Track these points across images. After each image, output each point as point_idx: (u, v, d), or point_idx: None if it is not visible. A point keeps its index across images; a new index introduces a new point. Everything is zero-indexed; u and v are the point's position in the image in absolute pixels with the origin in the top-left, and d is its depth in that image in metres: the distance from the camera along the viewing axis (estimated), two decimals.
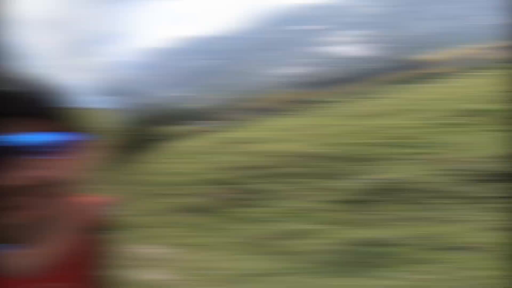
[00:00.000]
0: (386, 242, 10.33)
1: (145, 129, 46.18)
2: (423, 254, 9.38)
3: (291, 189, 17.89)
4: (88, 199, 1.05)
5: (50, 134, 0.76)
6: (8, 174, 0.70)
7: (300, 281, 9.31)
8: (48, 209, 0.83)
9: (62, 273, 0.89)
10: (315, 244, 11.60)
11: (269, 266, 10.49)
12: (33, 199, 0.75)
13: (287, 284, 9.17)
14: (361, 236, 11.16)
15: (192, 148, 32.09)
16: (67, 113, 0.82)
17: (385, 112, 27.44)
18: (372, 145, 20.16)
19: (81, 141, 0.86)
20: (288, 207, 15.98)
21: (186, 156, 29.37)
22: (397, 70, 54.11)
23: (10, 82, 0.77)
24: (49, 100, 0.80)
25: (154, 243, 14.08)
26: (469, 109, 20.98)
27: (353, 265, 9.70)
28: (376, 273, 8.88)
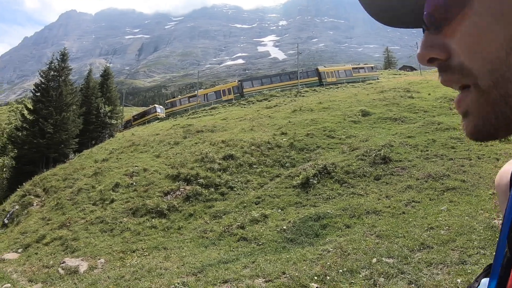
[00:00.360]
0: (325, 216, 14.56)
1: None
2: (348, 220, 13.73)
3: (250, 178, 21.55)
4: None
5: None
6: None
7: (261, 261, 11.09)
8: None
9: None
10: (269, 227, 15.12)
11: (225, 255, 13.07)
12: None
13: (234, 268, 10.79)
14: (307, 214, 15.38)
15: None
16: None
17: (310, 108, 35.33)
18: (308, 135, 25.85)
19: None
20: (248, 196, 19.47)
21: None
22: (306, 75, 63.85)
23: None
24: None
25: None
26: (361, 111, 30.29)
27: (302, 238, 13.21)
28: (321, 240, 12.50)
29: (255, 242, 13.74)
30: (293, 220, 14.96)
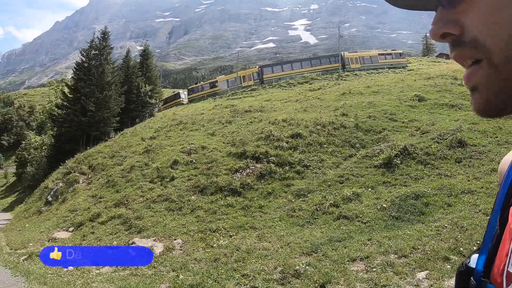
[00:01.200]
0: (423, 195, 14.14)
1: None
2: (447, 199, 13.44)
3: (324, 157, 20.83)
4: None
5: None
6: None
7: (378, 238, 11.14)
8: None
9: None
10: (366, 205, 14.67)
11: (332, 233, 12.86)
12: None
13: (355, 246, 10.75)
14: (403, 193, 14.86)
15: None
16: None
17: (359, 91, 34.33)
18: (370, 118, 25.12)
19: None
20: (327, 175, 18.83)
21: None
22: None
23: None
24: None
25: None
26: (415, 96, 29.25)
27: (408, 216, 13.01)
28: (427, 217, 12.43)
29: (358, 220, 13.48)
30: (390, 199, 14.53)
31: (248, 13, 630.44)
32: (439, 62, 69.15)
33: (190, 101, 61.90)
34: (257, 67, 65.24)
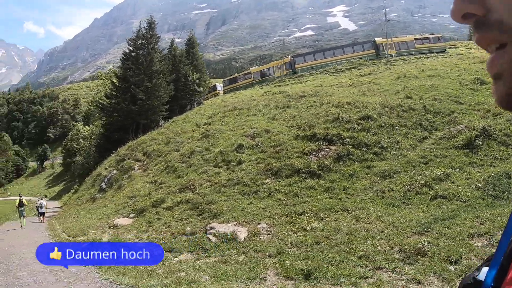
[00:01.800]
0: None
1: None
2: None
3: (399, 139, 20.27)
4: None
5: None
6: None
7: (486, 215, 10.87)
8: None
9: None
10: (460, 185, 14.38)
11: (435, 213, 12.55)
12: None
13: (466, 224, 10.58)
14: (494, 172, 14.44)
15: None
16: None
17: (415, 75, 33.26)
18: (436, 100, 24.37)
19: None
20: (408, 156, 18.39)
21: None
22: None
23: None
24: None
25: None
26: (476, 79, 28.51)
27: (505, 195, 12.79)
28: None
29: (457, 199, 13.33)
30: (482, 179, 14.29)
31: (285, 1, 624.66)
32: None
33: (225, 92, 61.37)
34: (289, 57, 63.70)
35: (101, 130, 52.25)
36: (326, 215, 13.94)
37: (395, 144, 19.57)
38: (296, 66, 58.15)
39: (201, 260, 11.30)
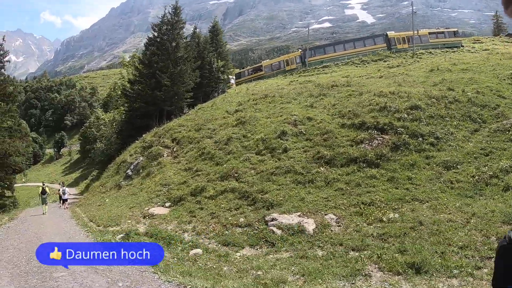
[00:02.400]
0: None
1: None
2: None
3: (452, 130, 19.72)
4: None
5: None
6: None
7: None
8: None
9: None
10: None
11: (510, 203, 12.12)
12: None
13: None
14: None
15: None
16: None
17: (448, 68, 32.48)
18: (479, 93, 23.74)
19: None
20: (465, 147, 17.97)
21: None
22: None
23: None
24: None
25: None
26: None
27: None
28: None
29: None
30: None
31: None
32: None
33: (238, 84, 60.54)
34: (300, 50, 62.86)
35: (123, 116, 51.22)
36: (398, 206, 13.35)
37: (449, 135, 18.99)
38: (307, 59, 57.49)
39: (272, 256, 10.35)
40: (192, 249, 11.30)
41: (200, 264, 9.51)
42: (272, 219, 12.79)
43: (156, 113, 43.89)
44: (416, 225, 11.38)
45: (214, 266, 9.40)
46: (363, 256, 9.58)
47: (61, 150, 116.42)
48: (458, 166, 16.07)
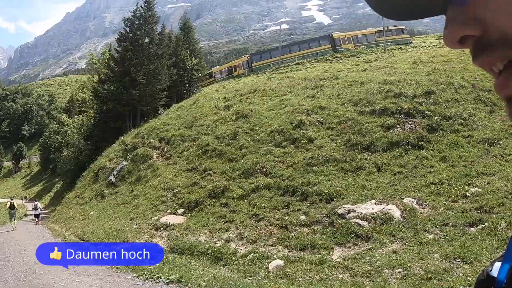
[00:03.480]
0: None
1: None
2: None
3: (473, 112, 19.37)
4: None
5: None
6: None
7: None
8: None
9: None
10: None
11: None
12: None
13: None
14: None
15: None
16: None
17: (430, 60, 31.72)
18: (479, 80, 23.12)
19: None
20: (493, 127, 17.53)
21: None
22: None
23: None
24: None
25: None
26: None
27: None
28: None
29: None
30: None
31: None
32: None
33: None
34: (247, 55, 64.24)
35: (91, 120, 48.06)
36: (469, 181, 12.71)
37: (473, 116, 18.69)
38: (253, 64, 57.82)
39: (381, 250, 9.19)
40: (267, 262, 9.40)
41: (304, 280, 7.37)
42: (349, 211, 11.26)
43: (129, 115, 41.15)
44: (506, 194, 10.94)
45: (333, 278, 7.50)
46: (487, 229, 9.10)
47: (20, 162, 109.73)
48: (500, 142, 15.76)
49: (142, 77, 40.13)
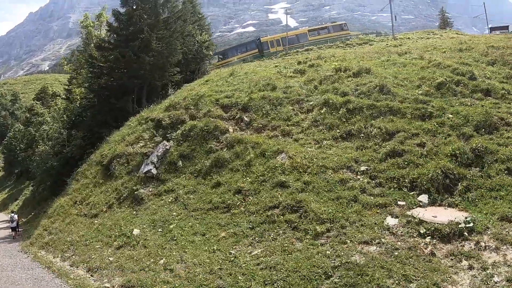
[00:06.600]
0: None
1: None
2: None
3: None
4: None
5: None
6: None
7: None
8: None
9: None
10: None
11: None
12: None
13: None
14: None
15: None
16: None
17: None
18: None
19: None
20: None
21: None
22: None
23: None
24: None
25: None
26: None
27: None
28: None
29: None
30: None
31: None
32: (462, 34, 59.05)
33: None
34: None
35: (78, 103, 39.11)
36: None
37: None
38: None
39: None
40: None
41: None
42: None
43: (134, 92, 32.41)
44: None
45: None
46: None
47: None
48: None
49: (156, 42, 31.04)
